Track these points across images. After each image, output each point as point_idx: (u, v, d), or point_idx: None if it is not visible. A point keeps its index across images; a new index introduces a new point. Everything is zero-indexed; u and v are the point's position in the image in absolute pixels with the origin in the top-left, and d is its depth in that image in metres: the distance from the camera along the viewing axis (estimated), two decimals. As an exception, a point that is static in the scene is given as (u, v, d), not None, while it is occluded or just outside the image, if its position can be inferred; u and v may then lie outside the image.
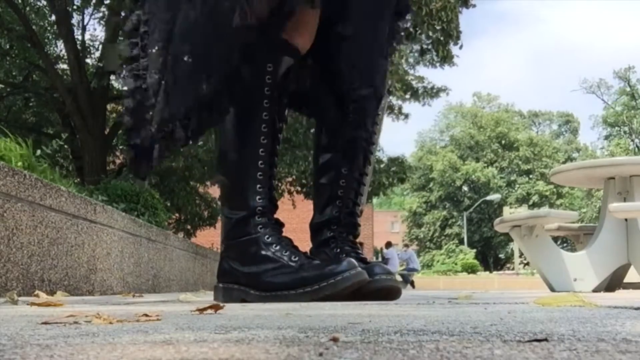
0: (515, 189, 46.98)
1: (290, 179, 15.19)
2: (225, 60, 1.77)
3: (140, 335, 0.72)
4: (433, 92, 16.72)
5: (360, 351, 0.56)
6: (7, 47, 15.20)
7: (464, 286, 16.15)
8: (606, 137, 50.88)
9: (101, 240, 3.88)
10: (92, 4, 14.76)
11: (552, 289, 5.01)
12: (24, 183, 2.83)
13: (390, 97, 16.71)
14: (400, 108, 17.21)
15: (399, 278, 17.49)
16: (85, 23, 15.36)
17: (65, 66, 14.69)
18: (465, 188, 47.63)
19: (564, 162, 41.64)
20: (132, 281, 4.56)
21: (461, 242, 41.12)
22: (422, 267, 30.79)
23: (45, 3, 14.75)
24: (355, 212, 2.09)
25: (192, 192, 14.73)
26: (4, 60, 15.28)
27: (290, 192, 15.32)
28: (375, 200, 39.72)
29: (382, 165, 16.76)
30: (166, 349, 0.58)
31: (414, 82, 16.38)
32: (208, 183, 14.65)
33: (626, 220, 4.94)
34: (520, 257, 25.21)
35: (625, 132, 49.43)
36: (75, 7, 14.73)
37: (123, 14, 10.79)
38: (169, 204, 12.37)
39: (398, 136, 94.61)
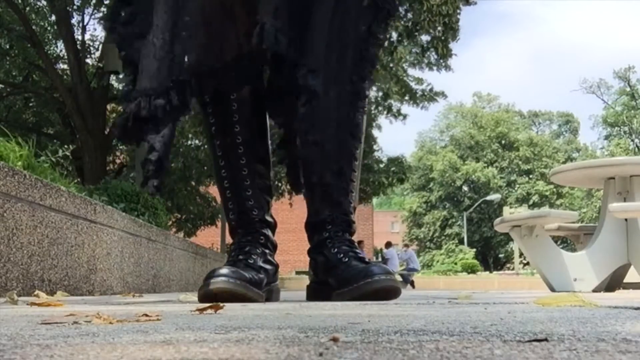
0: (515, 189, 46.97)
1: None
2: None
3: (140, 335, 0.72)
4: (431, 96, 16.73)
5: (360, 351, 0.56)
6: (7, 47, 15.21)
7: (464, 286, 16.15)
8: (606, 137, 50.87)
9: (101, 240, 3.88)
10: (92, 4, 14.77)
11: (552, 289, 5.01)
12: (24, 183, 2.83)
13: (390, 100, 16.73)
14: (399, 110, 17.23)
15: (399, 278, 17.49)
16: (85, 23, 15.38)
17: (65, 66, 14.70)
18: (465, 188, 47.62)
19: (564, 162, 41.66)
20: (132, 281, 4.56)
21: (461, 242, 41.11)
22: (422, 267, 30.78)
23: (45, 3, 14.75)
24: (348, 210, 2.08)
25: (193, 192, 14.74)
26: (4, 60, 15.28)
27: (290, 192, 15.32)
28: (375, 200, 39.72)
29: (381, 165, 16.77)
30: (166, 349, 0.58)
31: (412, 84, 16.37)
32: (207, 182, 14.66)
33: (626, 220, 4.94)
34: (520, 257, 25.21)
35: (625, 132, 49.42)
36: (75, 7, 14.73)
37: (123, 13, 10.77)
38: (169, 204, 12.38)
39: (398, 136, 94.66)
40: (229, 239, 2.46)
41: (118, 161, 15.72)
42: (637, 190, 4.96)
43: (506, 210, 26.04)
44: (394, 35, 12.03)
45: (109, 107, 13.98)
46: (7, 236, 2.67)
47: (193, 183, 14.86)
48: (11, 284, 2.68)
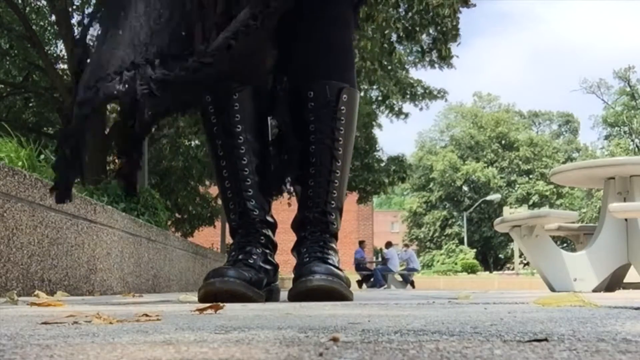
0: (515, 189, 46.97)
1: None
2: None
3: (140, 335, 0.72)
4: (431, 95, 16.73)
5: (360, 351, 0.56)
6: (7, 47, 15.21)
7: (464, 286, 16.14)
8: (606, 137, 50.87)
9: (101, 240, 3.88)
10: (92, 4, 14.76)
11: (552, 289, 5.01)
12: (24, 183, 2.83)
13: (390, 100, 16.73)
14: (400, 108, 17.21)
15: (398, 278, 17.47)
16: (85, 23, 15.36)
17: (65, 66, 14.70)
18: (465, 188, 47.61)
19: (564, 162, 41.65)
20: (132, 281, 4.56)
21: (461, 242, 41.10)
22: (422, 267, 30.78)
23: (45, 3, 14.75)
24: (327, 211, 2.08)
25: (192, 192, 14.74)
26: (4, 60, 15.28)
27: (289, 192, 15.30)
28: (375, 200, 39.72)
29: (382, 164, 16.77)
30: (166, 349, 0.58)
31: (413, 84, 16.37)
32: (207, 182, 14.65)
33: (626, 220, 4.94)
34: (520, 257, 25.20)
35: (625, 132, 49.42)
36: (75, 6, 14.73)
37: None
38: (169, 204, 12.38)
39: (398, 136, 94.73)
40: (229, 239, 2.47)
41: (118, 161, 15.72)
42: (637, 190, 4.95)
43: (506, 210, 26.02)
44: (394, 36, 12.03)
45: (108, 107, 13.96)
46: (7, 236, 2.67)
47: (193, 183, 14.86)
48: (11, 284, 2.68)
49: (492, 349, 0.57)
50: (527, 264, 22.67)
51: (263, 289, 1.96)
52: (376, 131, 17.50)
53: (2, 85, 15.66)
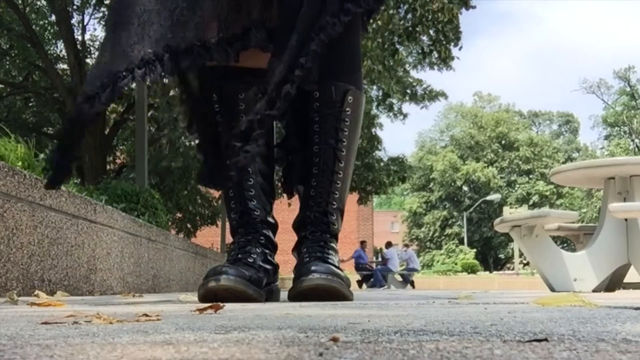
0: (515, 189, 46.98)
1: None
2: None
3: (140, 335, 0.72)
4: (432, 95, 16.73)
5: (360, 351, 0.56)
6: (7, 47, 15.21)
7: (464, 286, 16.15)
8: (606, 137, 50.87)
9: (101, 240, 3.88)
10: (92, 4, 14.78)
11: (552, 289, 5.01)
12: (24, 183, 2.83)
13: (390, 99, 16.74)
14: (400, 109, 17.22)
15: (399, 278, 17.48)
16: (85, 23, 15.37)
17: (65, 66, 14.71)
18: (465, 188, 47.62)
19: (564, 162, 41.66)
20: (132, 281, 4.56)
21: (461, 242, 41.10)
22: (422, 267, 30.79)
23: (45, 3, 14.76)
24: (328, 211, 2.08)
25: (193, 192, 14.73)
26: (4, 60, 15.29)
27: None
28: (375, 200, 39.72)
29: (382, 164, 16.77)
30: (166, 349, 0.58)
31: (413, 84, 16.37)
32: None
33: (626, 220, 4.94)
34: (520, 257, 25.20)
35: (625, 132, 49.43)
36: (75, 7, 14.74)
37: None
38: (169, 204, 12.37)
39: (398, 136, 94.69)
40: (229, 239, 2.47)
41: (118, 161, 15.72)
42: (637, 190, 4.96)
43: (506, 210, 26.04)
44: (395, 37, 12.04)
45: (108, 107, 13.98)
46: (7, 236, 2.67)
47: (193, 183, 14.85)
48: (11, 284, 2.68)
49: (492, 349, 0.57)
50: (527, 264, 22.67)
51: (263, 288, 1.96)
52: (376, 131, 17.50)
53: (2, 85, 15.67)
